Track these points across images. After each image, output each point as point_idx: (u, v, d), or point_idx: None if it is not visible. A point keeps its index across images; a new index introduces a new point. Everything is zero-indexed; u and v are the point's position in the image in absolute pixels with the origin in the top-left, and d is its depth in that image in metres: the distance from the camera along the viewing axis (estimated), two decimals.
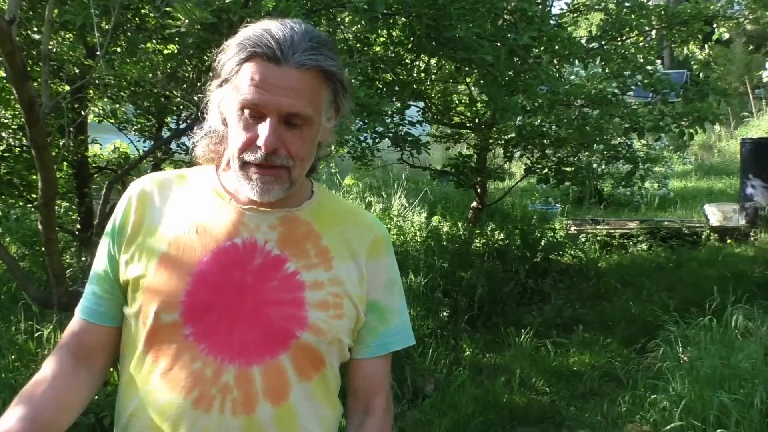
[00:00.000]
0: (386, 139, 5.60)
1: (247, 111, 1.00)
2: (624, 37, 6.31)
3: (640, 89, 6.05)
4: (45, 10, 3.90)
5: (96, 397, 3.07)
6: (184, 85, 4.03)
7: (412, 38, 4.75)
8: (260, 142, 0.98)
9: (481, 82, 5.10)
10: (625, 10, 5.99)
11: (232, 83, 1.02)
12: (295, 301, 1.04)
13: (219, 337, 1.01)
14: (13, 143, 5.12)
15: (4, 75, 4.98)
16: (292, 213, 1.10)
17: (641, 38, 6.49)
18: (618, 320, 4.79)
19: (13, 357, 3.34)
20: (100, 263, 1.11)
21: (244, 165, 1.02)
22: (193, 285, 1.02)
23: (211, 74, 1.11)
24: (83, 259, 4.94)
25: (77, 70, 4.51)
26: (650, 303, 5.05)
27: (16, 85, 1.96)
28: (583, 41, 5.91)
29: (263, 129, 0.98)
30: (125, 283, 1.07)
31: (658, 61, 9.88)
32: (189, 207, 1.09)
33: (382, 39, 5.07)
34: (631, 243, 6.95)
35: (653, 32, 6.81)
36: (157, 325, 1.02)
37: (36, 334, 3.45)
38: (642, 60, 5.96)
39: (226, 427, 1.00)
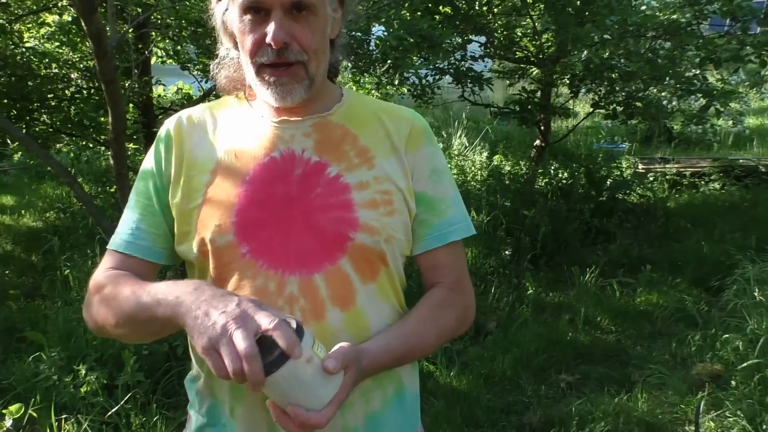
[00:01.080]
0: (447, 75, 5.47)
1: (249, 13, 0.98)
2: None
3: (716, 19, 5.67)
4: None
5: None
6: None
7: None
8: (269, 39, 0.96)
9: (550, 13, 4.89)
10: None
11: None
12: (342, 204, 1.03)
13: (275, 251, 1.01)
14: (82, 84, 5.26)
15: (71, 18, 5.10)
16: (324, 118, 1.08)
17: None
18: (688, 260, 4.63)
19: None
20: (141, 200, 1.09)
21: (260, 69, 1.00)
22: (240, 205, 1.02)
23: None
24: None
25: (140, 11, 4.54)
26: (723, 243, 4.86)
27: (84, 17, 1.97)
28: None
29: (270, 25, 0.96)
30: (177, 217, 1.06)
31: None
32: (224, 134, 1.09)
33: None
34: (702, 182, 6.67)
35: None
36: (214, 250, 1.02)
37: None
38: None
39: None
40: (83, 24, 2.08)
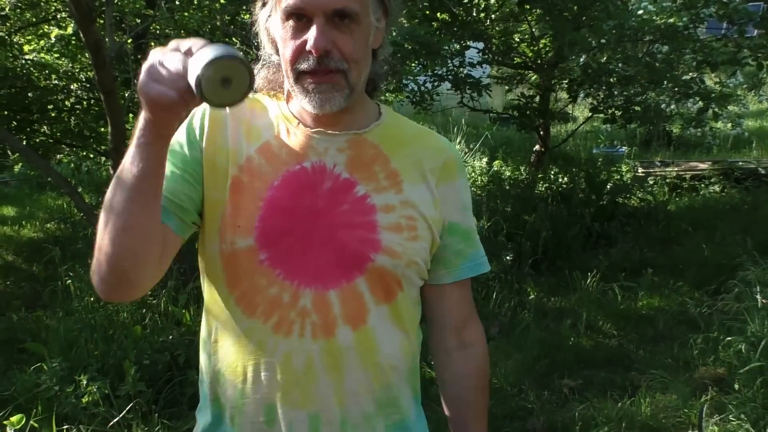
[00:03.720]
0: (446, 82, 5.48)
1: (292, 19, 0.96)
2: None
3: (712, 23, 5.69)
4: None
5: (170, 337, 3.21)
6: (244, 31, 4.02)
7: None
8: (309, 45, 0.94)
9: (546, 18, 4.90)
10: None
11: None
12: (367, 224, 1.02)
13: (294, 262, 1.00)
14: (82, 95, 5.27)
15: (71, 33, 5.12)
16: (360, 135, 1.06)
17: None
18: (689, 263, 4.63)
19: (92, 299, 3.50)
20: (177, 163, 1.01)
21: (299, 76, 0.98)
22: (265, 210, 1.00)
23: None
24: None
25: (138, 21, 4.57)
26: (724, 245, 4.86)
27: (82, 28, 1.98)
28: None
29: (311, 32, 0.94)
30: (204, 201, 1.03)
31: None
32: (257, 130, 1.06)
33: None
34: (702, 185, 6.66)
35: None
36: (233, 251, 1.00)
37: None
38: None
39: (307, 350, 1.00)
40: (82, 35, 2.09)
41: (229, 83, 0.77)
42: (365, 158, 1.06)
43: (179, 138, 1.03)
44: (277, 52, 1.04)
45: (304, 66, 0.97)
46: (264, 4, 1.02)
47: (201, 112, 1.05)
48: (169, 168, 0.97)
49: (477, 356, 1.15)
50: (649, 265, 4.59)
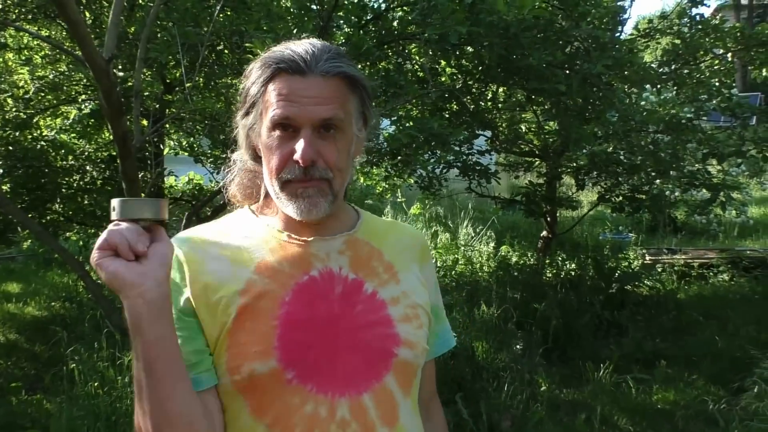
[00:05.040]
0: (455, 168, 5.56)
1: (278, 129, 0.98)
2: (698, 61, 6.12)
3: (713, 114, 5.84)
4: (128, 48, 4.09)
5: None
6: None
7: (480, 68, 4.72)
8: (297, 156, 0.96)
9: (552, 111, 5.03)
10: (698, 33, 5.80)
11: (258, 107, 1.00)
12: (383, 320, 1.04)
13: (323, 373, 0.98)
14: (95, 176, 5.36)
15: (88, 111, 5.26)
16: (353, 236, 1.09)
17: (716, 61, 6.27)
18: (703, 355, 4.55)
19: (96, 384, 3.42)
20: (186, 339, 0.98)
21: (284, 185, 0.99)
22: (282, 328, 0.97)
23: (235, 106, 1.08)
24: None
25: (157, 105, 4.69)
26: (737, 337, 4.79)
27: (112, 121, 2.03)
28: (654, 66, 5.76)
29: (299, 143, 0.96)
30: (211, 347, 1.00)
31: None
32: (246, 252, 1.04)
33: (449, 70, 5.07)
34: (711, 273, 6.65)
35: (728, 55, 6.58)
36: (253, 378, 0.96)
37: (117, 362, 3.53)
38: (717, 83, 5.77)
39: None
40: (110, 127, 2.14)
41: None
42: (363, 256, 1.08)
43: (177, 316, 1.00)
44: (254, 158, 1.06)
45: (289, 176, 0.99)
46: (247, 114, 1.04)
47: (176, 262, 1.00)
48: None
49: (439, 427, 1.21)
50: (662, 356, 4.52)
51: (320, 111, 0.96)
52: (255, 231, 1.07)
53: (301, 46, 0.99)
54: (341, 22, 4.14)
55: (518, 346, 4.49)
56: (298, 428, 0.96)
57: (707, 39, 5.81)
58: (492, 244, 6.91)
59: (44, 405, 3.59)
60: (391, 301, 1.05)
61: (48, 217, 5.31)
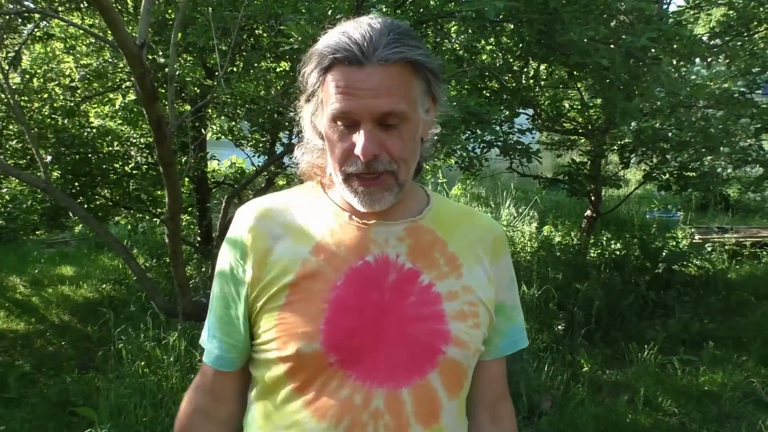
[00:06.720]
0: (495, 148, 5.49)
1: (339, 122, 0.95)
2: (751, 32, 5.87)
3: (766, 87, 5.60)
4: (169, 34, 4.15)
5: None
6: (296, 102, 4.15)
7: (521, 45, 4.62)
8: (358, 151, 0.93)
9: (596, 87, 4.89)
10: (752, 2, 5.56)
11: (318, 96, 0.97)
12: (435, 315, 0.99)
13: (365, 362, 0.97)
14: (140, 161, 5.48)
15: (134, 98, 5.38)
16: (416, 222, 1.05)
17: None
18: (754, 336, 4.41)
19: (142, 363, 3.53)
20: (222, 308, 1.05)
21: (347, 178, 0.97)
22: (331, 311, 0.97)
23: (298, 89, 1.05)
24: (203, 270, 5.18)
25: (198, 90, 4.76)
26: None
27: (146, 105, 2.06)
28: (704, 38, 5.55)
29: (359, 137, 0.93)
30: (256, 323, 1.03)
31: None
32: (307, 231, 1.03)
33: (489, 47, 4.98)
34: (764, 252, 6.42)
35: None
36: (298, 357, 0.97)
37: (162, 342, 3.64)
38: None
39: None
40: (144, 111, 2.18)
41: None
42: (424, 245, 1.04)
43: (224, 269, 1.05)
44: (322, 139, 1.03)
45: (352, 169, 0.96)
46: (308, 100, 1.01)
47: (239, 237, 1.04)
48: (219, 311, 1.06)
49: None
50: (710, 337, 4.40)
51: (380, 104, 0.92)
52: (319, 209, 1.06)
53: (359, 31, 0.93)
54: (377, 1, 4.11)
55: (559, 327, 4.44)
56: (331, 411, 0.96)
57: (762, 9, 5.57)
58: (534, 224, 6.82)
59: (95, 383, 3.72)
60: (448, 295, 1.01)
61: (96, 203, 5.47)
